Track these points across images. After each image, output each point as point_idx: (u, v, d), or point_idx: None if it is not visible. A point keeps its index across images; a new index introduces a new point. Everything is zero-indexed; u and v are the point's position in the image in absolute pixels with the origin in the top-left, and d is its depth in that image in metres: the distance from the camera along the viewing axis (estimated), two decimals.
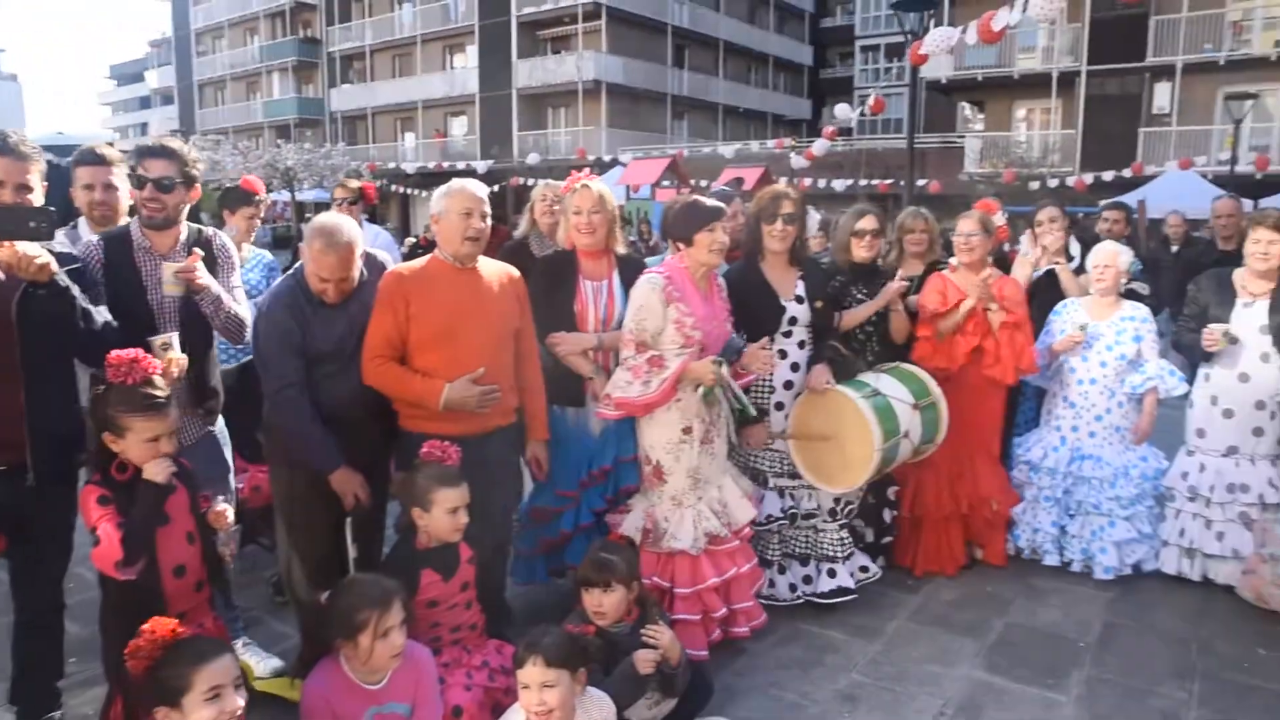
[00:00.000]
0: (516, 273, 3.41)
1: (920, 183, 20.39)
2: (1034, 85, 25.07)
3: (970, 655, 3.76)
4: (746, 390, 3.54)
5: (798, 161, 17.00)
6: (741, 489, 3.56)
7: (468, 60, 36.48)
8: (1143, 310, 4.50)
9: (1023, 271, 4.90)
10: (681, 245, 3.40)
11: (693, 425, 3.39)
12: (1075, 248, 5.22)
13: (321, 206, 20.52)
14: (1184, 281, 4.91)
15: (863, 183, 21.54)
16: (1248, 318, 4.13)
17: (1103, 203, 7.74)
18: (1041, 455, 4.59)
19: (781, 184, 3.93)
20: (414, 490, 2.91)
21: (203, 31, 47.24)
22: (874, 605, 4.14)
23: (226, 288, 3.15)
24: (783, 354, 3.84)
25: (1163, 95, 23.72)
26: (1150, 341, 4.43)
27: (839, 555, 3.99)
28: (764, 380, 3.81)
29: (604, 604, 2.88)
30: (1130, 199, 12.22)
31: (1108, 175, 18.26)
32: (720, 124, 37.10)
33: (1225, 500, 4.22)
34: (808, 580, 4.01)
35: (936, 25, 17.49)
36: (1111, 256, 4.44)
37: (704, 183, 17.12)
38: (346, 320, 3.11)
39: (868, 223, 4.23)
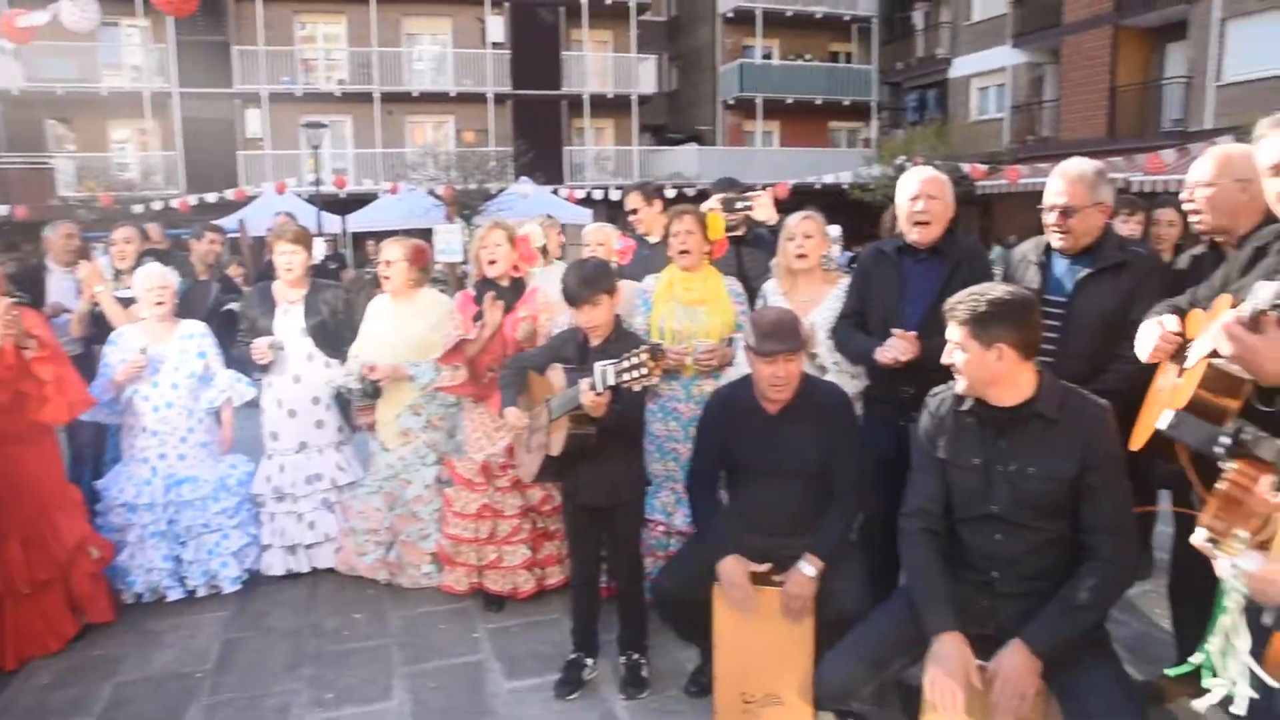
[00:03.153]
0: None
1: (3, 209, 17.84)
2: (128, 104, 23.99)
3: None
4: None
5: None
6: None
7: None
8: (200, 327, 4.56)
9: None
10: None
11: None
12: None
13: None
14: None
15: None
16: (288, 324, 4.52)
17: (197, 225, 7.79)
18: (135, 493, 4.33)
19: None
20: None
21: None
22: None
23: None
24: None
25: (254, 121, 25.10)
26: (214, 355, 4.52)
27: None
28: None
29: None
30: (231, 220, 12.65)
31: (211, 197, 18.58)
32: None
33: (308, 492, 4.58)
34: None
35: None
36: (162, 276, 4.39)
37: None
38: None
39: None
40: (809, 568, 2.96)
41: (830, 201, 23.24)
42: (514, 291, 4.10)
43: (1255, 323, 1.97)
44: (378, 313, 4.47)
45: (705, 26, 30.19)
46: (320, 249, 4.38)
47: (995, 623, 2.51)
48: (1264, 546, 1.12)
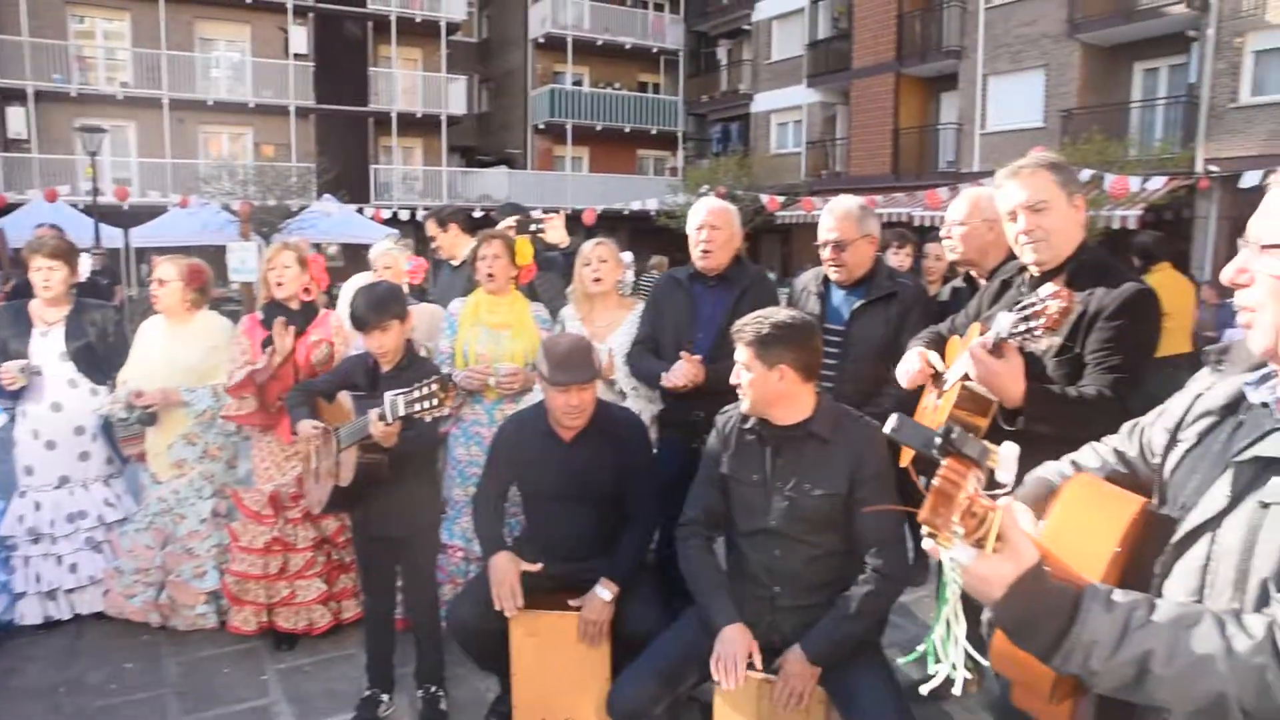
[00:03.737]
0: None
1: None
2: None
3: None
4: None
5: None
6: None
7: None
8: None
9: None
10: None
11: None
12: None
13: None
14: None
15: None
16: (46, 346, 4.10)
17: None
18: None
19: None
20: None
21: None
22: None
23: None
24: None
25: (18, 120, 22.73)
26: None
27: None
28: None
29: None
30: None
31: None
32: None
33: (69, 531, 4.15)
34: None
35: None
36: None
37: None
38: None
39: None
40: (605, 592, 2.98)
41: (638, 227, 23.91)
42: (304, 315, 3.91)
43: (997, 349, 2.19)
44: (150, 335, 4.14)
45: (517, 50, 30.23)
46: (87, 264, 3.98)
47: (780, 635, 2.63)
48: (981, 544, 1.24)
